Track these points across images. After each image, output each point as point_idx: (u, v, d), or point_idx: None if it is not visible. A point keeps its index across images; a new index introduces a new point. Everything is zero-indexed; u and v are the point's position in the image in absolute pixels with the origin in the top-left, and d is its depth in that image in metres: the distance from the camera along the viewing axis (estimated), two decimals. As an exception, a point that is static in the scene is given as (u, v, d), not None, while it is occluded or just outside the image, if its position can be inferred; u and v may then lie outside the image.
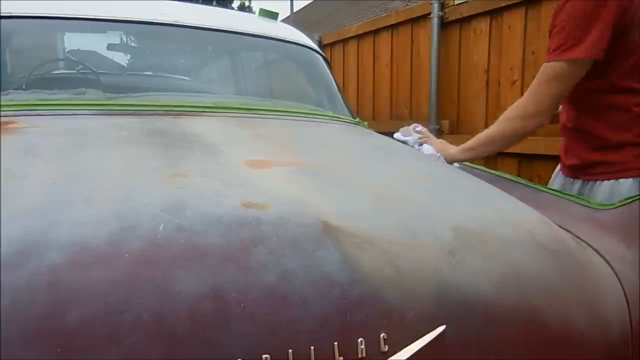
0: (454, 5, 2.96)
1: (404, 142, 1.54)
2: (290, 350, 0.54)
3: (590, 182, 1.33)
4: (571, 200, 1.05)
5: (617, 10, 1.14)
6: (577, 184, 1.38)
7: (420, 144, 1.54)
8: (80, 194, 0.67)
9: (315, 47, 1.94)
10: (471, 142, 1.41)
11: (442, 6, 2.96)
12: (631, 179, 1.23)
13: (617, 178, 1.25)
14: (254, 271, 0.57)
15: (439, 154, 1.48)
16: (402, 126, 3.17)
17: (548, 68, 1.21)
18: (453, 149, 1.43)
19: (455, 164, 1.44)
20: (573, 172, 1.39)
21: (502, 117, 1.34)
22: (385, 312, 0.59)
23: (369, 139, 1.44)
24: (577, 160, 1.36)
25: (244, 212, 0.64)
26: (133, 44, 1.77)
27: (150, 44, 1.73)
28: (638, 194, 0.94)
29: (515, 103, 1.30)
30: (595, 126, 1.28)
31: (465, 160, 1.44)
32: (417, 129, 1.60)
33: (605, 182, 1.28)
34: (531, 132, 1.30)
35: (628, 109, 1.22)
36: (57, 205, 0.64)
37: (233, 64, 1.93)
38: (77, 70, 1.62)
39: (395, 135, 1.57)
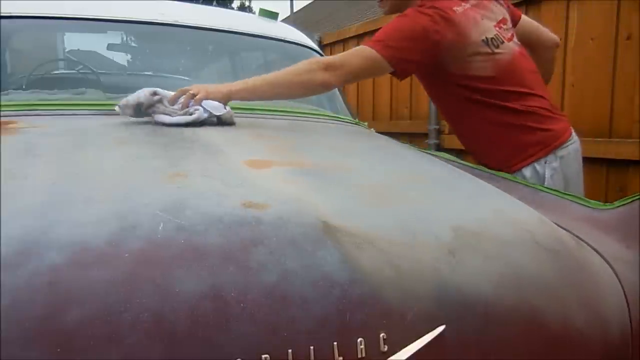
0: (454, 5, 2.95)
1: (187, 124, 1.14)
2: (290, 350, 0.54)
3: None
4: (571, 200, 1.05)
5: (433, 46, 1.35)
6: None
7: (197, 109, 1.18)
8: (80, 194, 0.67)
9: (316, 47, 1.94)
10: (245, 82, 1.30)
11: (442, 6, 2.95)
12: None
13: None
14: (254, 271, 0.57)
15: (222, 102, 1.23)
16: (402, 126, 3.12)
17: (366, 49, 1.36)
18: (224, 88, 1.27)
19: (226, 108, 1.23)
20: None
21: (299, 67, 1.32)
22: (385, 312, 0.59)
23: (368, 138, 1.44)
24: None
25: (244, 212, 0.64)
26: (133, 44, 1.77)
27: (150, 44, 1.73)
28: (638, 193, 0.94)
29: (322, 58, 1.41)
30: (467, 139, 1.57)
31: (235, 100, 1.29)
32: (157, 97, 1.17)
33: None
34: (320, 85, 1.35)
35: (490, 122, 1.44)
36: (57, 205, 0.64)
37: (233, 63, 1.94)
38: (77, 70, 1.62)
39: (167, 120, 1.15)
